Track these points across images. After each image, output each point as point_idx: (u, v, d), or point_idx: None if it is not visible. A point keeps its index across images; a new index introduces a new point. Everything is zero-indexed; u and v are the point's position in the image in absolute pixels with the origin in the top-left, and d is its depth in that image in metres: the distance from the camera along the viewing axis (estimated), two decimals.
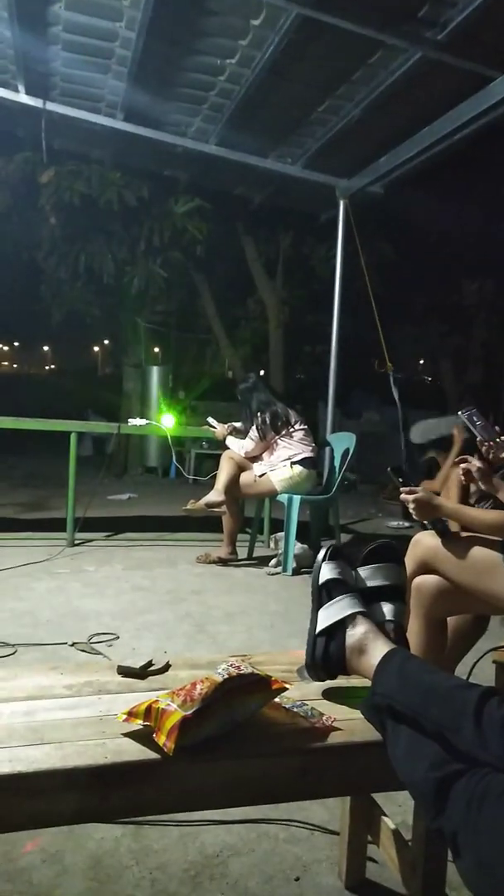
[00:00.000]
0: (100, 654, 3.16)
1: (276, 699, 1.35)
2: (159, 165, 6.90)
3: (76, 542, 5.27)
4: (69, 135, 6.29)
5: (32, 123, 5.86)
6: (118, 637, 3.39)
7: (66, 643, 3.26)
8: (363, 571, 1.59)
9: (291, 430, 4.92)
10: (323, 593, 1.51)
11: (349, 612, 1.45)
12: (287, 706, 1.36)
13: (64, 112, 5.64)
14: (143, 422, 5.71)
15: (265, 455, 4.94)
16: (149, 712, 1.22)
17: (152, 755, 1.19)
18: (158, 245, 8.72)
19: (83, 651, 3.19)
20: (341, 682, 1.51)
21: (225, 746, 1.24)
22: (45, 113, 5.59)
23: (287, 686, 1.34)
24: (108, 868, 1.78)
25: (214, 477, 4.99)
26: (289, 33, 4.28)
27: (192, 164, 6.45)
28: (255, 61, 4.68)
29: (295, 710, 1.35)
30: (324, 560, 1.55)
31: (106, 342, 23.43)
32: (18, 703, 1.36)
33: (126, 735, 1.24)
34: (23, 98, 5.50)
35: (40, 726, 1.27)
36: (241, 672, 1.30)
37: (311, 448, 4.96)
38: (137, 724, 1.23)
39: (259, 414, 4.91)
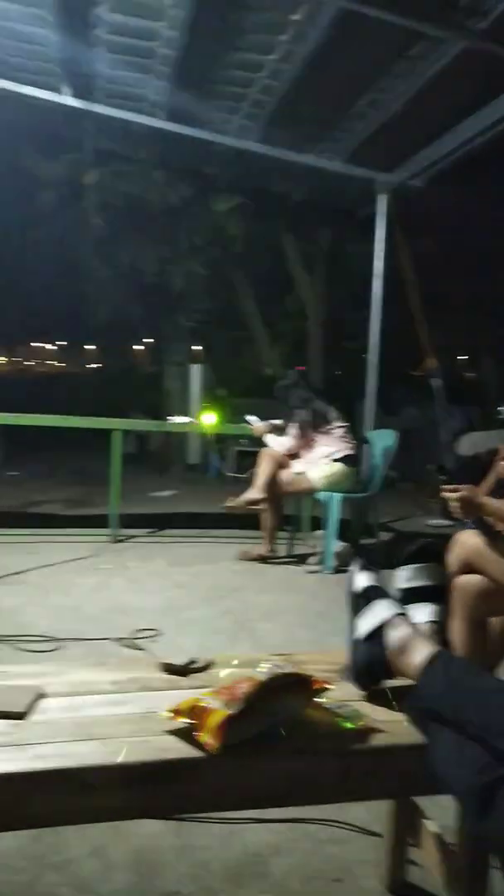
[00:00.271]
0: (143, 649, 3.21)
1: (319, 699, 1.35)
2: (201, 164, 6.94)
3: (119, 538, 5.35)
4: (113, 136, 6.37)
5: (77, 125, 5.95)
6: (161, 633, 3.42)
7: (110, 639, 3.31)
8: (404, 572, 1.58)
9: (331, 427, 4.90)
10: (359, 600, 1.50)
11: (388, 614, 1.44)
12: (329, 706, 1.36)
13: (107, 113, 5.71)
14: (185, 419, 5.76)
15: (305, 452, 4.92)
16: (193, 710, 1.23)
17: (196, 753, 1.20)
18: (199, 244, 8.77)
19: (127, 647, 3.23)
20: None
21: (267, 746, 1.24)
22: (90, 115, 5.66)
23: (329, 686, 1.34)
24: (151, 863, 1.81)
25: (254, 474, 5.00)
26: (329, 27, 4.25)
27: (233, 162, 6.47)
28: (295, 56, 4.66)
29: (337, 710, 1.35)
30: (357, 569, 1.55)
31: (147, 341, 23.64)
32: (65, 699, 1.39)
33: (171, 733, 1.25)
34: (68, 100, 5.58)
35: (87, 722, 1.29)
36: (284, 672, 1.30)
37: (350, 445, 4.93)
38: (182, 721, 1.25)
39: (298, 411, 4.90)
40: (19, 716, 1.29)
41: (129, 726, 1.28)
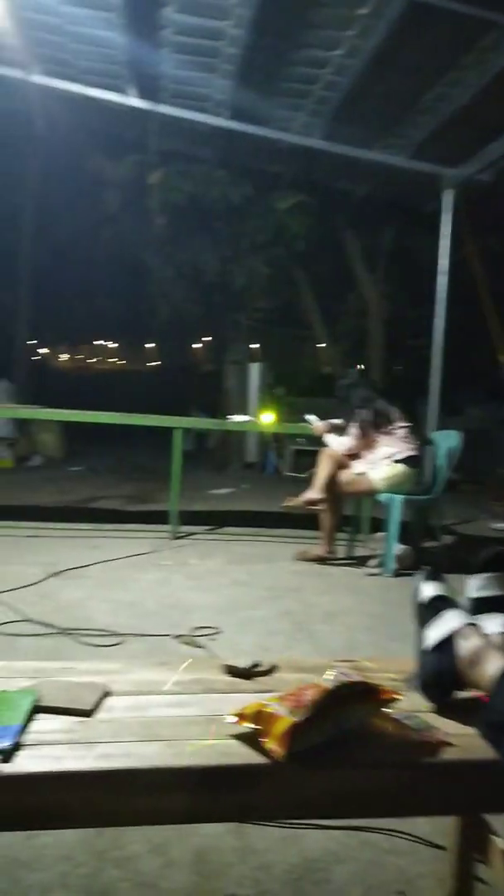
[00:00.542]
0: (202, 647, 3.22)
1: (386, 709, 1.31)
2: (264, 162, 6.93)
3: (179, 534, 5.40)
4: (177, 136, 6.42)
5: (142, 126, 6.03)
6: (220, 631, 3.43)
7: (169, 635, 3.34)
8: (476, 580, 1.52)
9: (393, 427, 4.82)
10: (426, 610, 1.46)
11: (458, 623, 1.39)
12: (397, 717, 1.32)
13: (173, 113, 5.76)
14: (244, 418, 5.77)
15: (366, 453, 4.86)
16: (258, 716, 1.22)
17: (262, 760, 1.18)
18: (261, 242, 8.77)
19: (186, 644, 3.25)
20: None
21: (333, 755, 1.22)
22: (154, 115, 5.73)
23: (398, 696, 1.30)
24: (211, 864, 1.81)
25: (313, 474, 4.97)
26: (397, 20, 4.17)
27: (296, 160, 6.44)
28: (361, 51, 4.60)
29: (405, 721, 1.32)
30: (423, 578, 1.51)
31: (207, 339, 23.83)
32: (130, 698, 1.39)
33: (235, 737, 1.24)
34: (134, 102, 5.66)
35: (152, 722, 1.29)
36: (351, 680, 1.27)
37: (413, 446, 4.84)
38: (246, 726, 1.23)
39: (360, 411, 4.84)
40: (86, 713, 1.30)
41: (194, 729, 1.28)
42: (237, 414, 6.33)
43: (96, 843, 1.85)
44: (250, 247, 8.82)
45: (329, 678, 1.28)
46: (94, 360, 45.31)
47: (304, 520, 5.39)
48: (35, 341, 16.20)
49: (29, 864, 1.76)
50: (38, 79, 5.65)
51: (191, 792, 1.19)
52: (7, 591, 3.86)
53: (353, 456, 4.88)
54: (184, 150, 7.26)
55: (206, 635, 3.38)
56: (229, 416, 5.97)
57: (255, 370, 10.20)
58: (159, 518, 5.69)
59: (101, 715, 1.32)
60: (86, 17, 4.79)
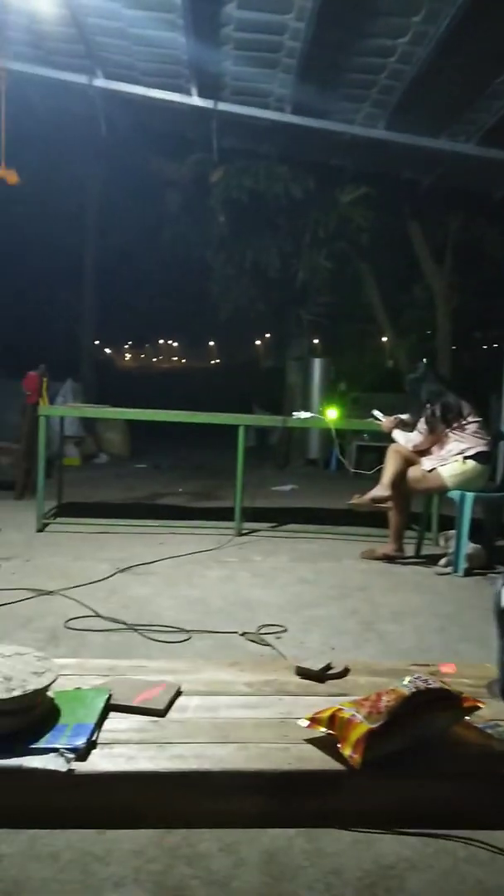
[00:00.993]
0: (269, 645, 3.20)
1: (467, 718, 1.26)
2: (326, 155, 6.85)
3: (243, 531, 5.40)
4: (238, 133, 6.42)
5: (204, 125, 6.05)
6: (286, 630, 3.41)
7: (236, 632, 3.33)
8: None
9: (464, 422, 4.68)
10: None
11: None
12: (479, 726, 1.27)
13: (234, 111, 5.76)
14: (307, 415, 5.71)
15: (435, 449, 4.73)
16: (333, 720, 1.19)
17: (337, 766, 1.15)
18: (323, 236, 8.68)
19: (252, 641, 3.24)
20: None
21: (411, 764, 1.18)
22: (216, 113, 5.74)
23: (480, 705, 1.25)
24: (282, 866, 1.78)
25: (378, 471, 4.87)
26: (464, 4, 4.04)
27: (360, 152, 6.33)
28: (427, 38, 4.47)
29: (488, 731, 1.26)
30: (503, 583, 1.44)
31: (268, 336, 23.83)
32: (201, 698, 1.38)
33: (309, 741, 1.21)
34: (195, 101, 5.68)
35: (223, 724, 1.28)
36: (430, 686, 1.23)
37: (485, 442, 4.68)
38: (320, 731, 1.20)
39: (429, 405, 4.71)
40: (160, 713, 1.30)
41: (267, 732, 1.26)
42: (300, 410, 6.28)
43: (167, 839, 1.85)
44: (312, 241, 8.74)
45: (406, 684, 1.24)
46: (157, 359, 46.03)
47: (370, 518, 5.31)
48: (99, 342, 16.53)
49: (102, 857, 1.78)
50: (101, 83, 5.73)
51: (264, 796, 1.17)
52: (77, 586, 3.93)
53: (422, 452, 4.76)
54: (245, 146, 7.25)
55: (272, 633, 3.36)
56: (293, 413, 5.92)
57: (317, 366, 10.12)
58: (223, 515, 5.71)
59: (172, 715, 1.32)
60: (147, 19, 4.83)
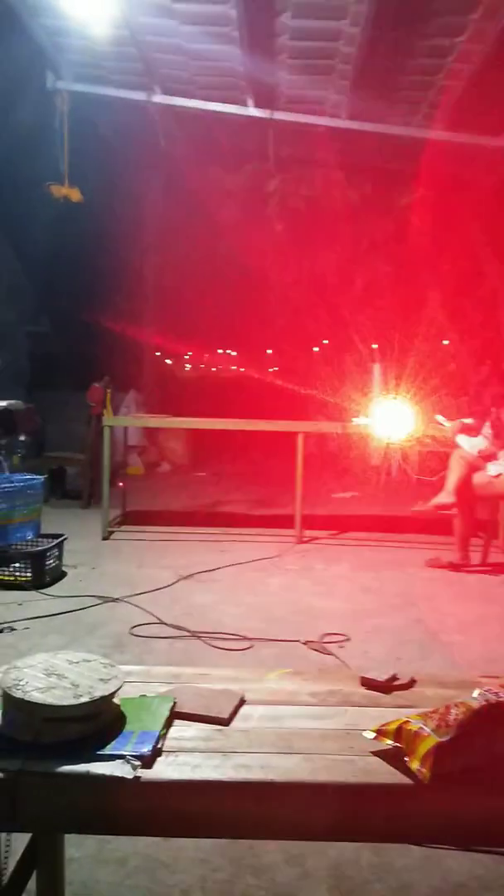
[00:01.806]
0: (332, 654, 3.17)
1: None
2: (384, 159, 6.79)
3: (304, 539, 5.37)
4: (294, 141, 6.44)
5: (260, 135, 6.09)
6: (349, 639, 3.37)
7: (298, 641, 3.31)
8: None
9: None
10: None
11: None
12: None
13: (289, 119, 5.79)
14: (366, 420, 5.65)
15: (501, 454, 4.61)
16: (400, 733, 1.16)
17: (405, 780, 1.13)
18: (381, 240, 8.59)
19: (315, 650, 3.22)
20: None
21: (483, 780, 1.14)
22: (272, 122, 5.77)
23: None
24: (349, 880, 1.76)
25: (442, 477, 4.77)
26: None
27: (417, 153, 6.25)
28: (487, 34, 4.40)
29: None
30: None
31: (325, 342, 23.71)
32: (266, 707, 1.37)
33: (375, 754, 1.19)
34: (251, 111, 5.74)
35: (288, 734, 1.27)
36: (501, 699, 1.18)
37: None
38: (387, 743, 1.18)
39: (494, 409, 4.59)
40: (224, 722, 1.29)
41: (332, 743, 1.24)
42: (359, 416, 6.21)
43: (232, 849, 1.85)
44: (370, 246, 8.68)
45: (476, 697, 1.20)
46: (215, 368, 46.47)
47: (434, 525, 5.21)
48: (160, 353, 16.82)
49: (168, 864, 1.79)
50: (159, 98, 5.85)
51: (330, 809, 1.15)
52: (141, 593, 3.99)
53: (487, 457, 4.64)
54: (301, 154, 7.27)
55: (335, 642, 3.32)
56: (354, 419, 5.87)
57: (377, 370, 10.01)
58: (283, 522, 5.69)
59: (237, 724, 1.31)
60: (203, 34, 4.91)
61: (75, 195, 5.80)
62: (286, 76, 5.36)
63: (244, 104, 5.79)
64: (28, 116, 6.87)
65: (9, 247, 8.28)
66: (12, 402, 4.04)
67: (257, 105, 5.76)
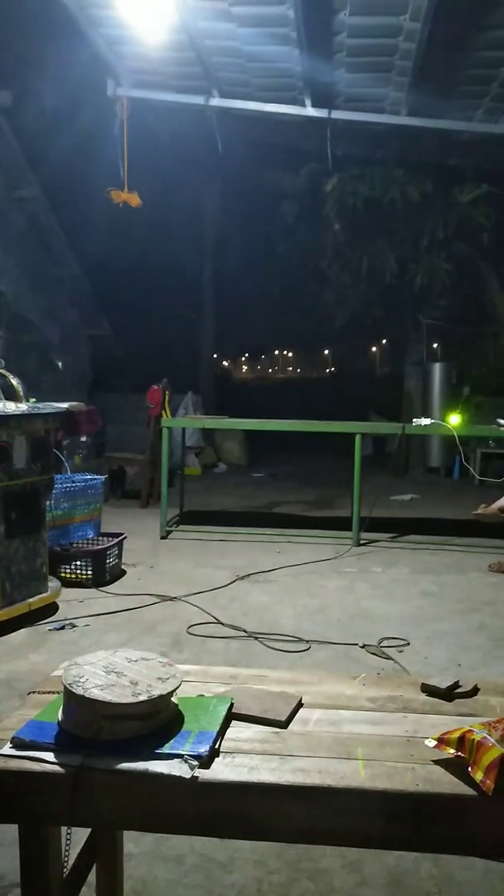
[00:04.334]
0: (391, 659, 3.12)
1: None
2: (444, 155, 6.67)
3: (362, 541, 5.31)
4: (352, 140, 6.39)
5: (317, 134, 6.06)
6: (408, 643, 3.31)
7: (356, 644, 3.28)
8: None
9: None
10: None
11: None
12: None
13: (348, 118, 5.74)
14: (428, 421, 5.55)
15: None
16: (462, 742, 1.13)
17: (468, 791, 1.09)
18: (442, 238, 8.42)
19: (373, 654, 3.17)
20: None
21: None
22: (329, 122, 5.73)
23: None
24: (407, 889, 1.72)
25: None
26: None
27: (480, 149, 6.11)
28: None
29: None
30: None
31: (384, 342, 23.44)
32: (323, 711, 1.36)
33: (437, 763, 1.16)
34: (309, 111, 5.71)
35: (346, 739, 1.25)
36: None
37: None
38: (449, 752, 1.15)
39: None
40: (281, 724, 1.29)
41: (392, 750, 1.21)
42: (419, 416, 6.11)
43: (288, 852, 1.84)
44: (430, 244, 8.50)
45: None
46: (272, 369, 46.48)
47: (497, 529, 5.07)
48: (217, 355, 16.94)
49: (224, 864, 1.79)
50: (217, 102, 5.88)
51: (389, 817, 1.13)
52: (199, 593, 4.02)
53: None
54: (359, 153, 7.20)
55: (393, 646, 3.27)
56: (413, 420, 5.77)
57: (438, 370, 9.82)
58: (340, 524, 5.65)
59: (294, 727, 1.30)
60: (261, 35, 4.91)
61: (134, 200, 5.89)
62: (344, 74, 5.31)
63: (302, 104, 5.76)
64: (89, 124, 7.03)
65: (71, 252, 8.47)
66: (74, 403, 4.13)
67: (315, 105, 5.72)
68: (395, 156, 7.30)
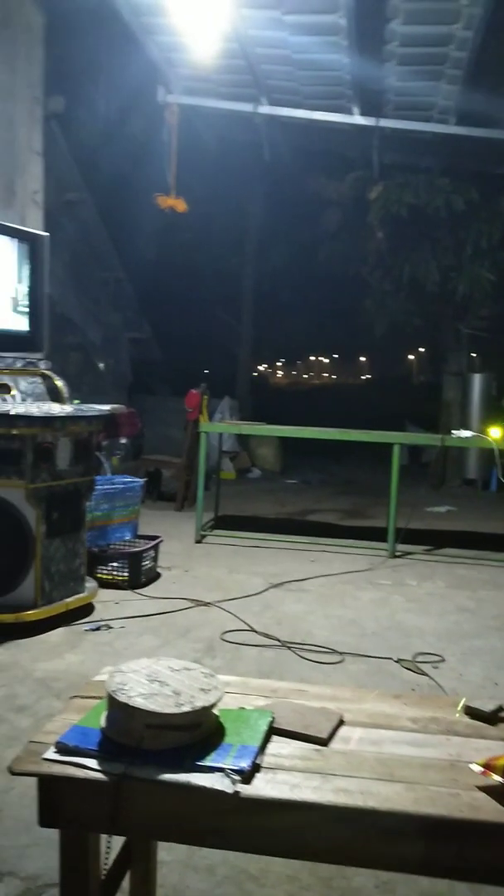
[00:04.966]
0: (425, 675, 3.08)
1: None
2: (492, 164, 6.59)
3: (397, 553, 5.26)
4: (399, 148, 6.36)
5: (364, 142, 6.04)
6: (443, 659, 3.26)
7: (391, 658, 3.24)
8: None
9: None
10: None
11: None
12: None
13: (396, 126, 5.72)
14: (468, 434, 5.48)
15: None
16: None
17: None
18: (486, 247, 8.32)
19: (408, 669, 3.14)
20: None
21: None
22: (377, 130, 5.72)
23: None
24: None
25: None
26: None
27: None
28: None
29: None
30: None
31: (421, 350, 23.23)
32: (365, 730, 1.35)
33: (482, 789, 1.14)
34: (357, 119, 5.70)
35: (389, 760, 1.24)
36: None
37: None
38: (495, 779, 1.13)
39: None
40: (322, 742, 1.28)
41: (436, 774, 1.20)
42: (457, 427, 6.03)
43: (321, 868, 1.82)
44: (474, 253, 8.41)
45: None
46: (307, 375, 46.39)
47: None
48: (253, 359, 16.98)
49: (257, 877, 1.79)
50: (266, 109, 5.91)
51: (430, 842, 1.11)
52: (232, 599, 4.02)
53: None
54: (406, 161, 7.16)
55: (428, 662, 3.23)
56: (451, 431, 5.70)
57: (477, 381, 9.68)
58: (375, 535, 5.60)
59: (335, 745, 1.29)
60: (312, 44, 4.92)
61: (181, 206, 5.94)
62: (394, 83, 5.29)
63: (349, 112, 5.75)
64: (138, 130, 7.12)
65: (115, 255, 8.59)
66: (116, 406, 4.18)
67: (363, 113, 5.71)
68: (443, 164, 7.23)
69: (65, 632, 3.38)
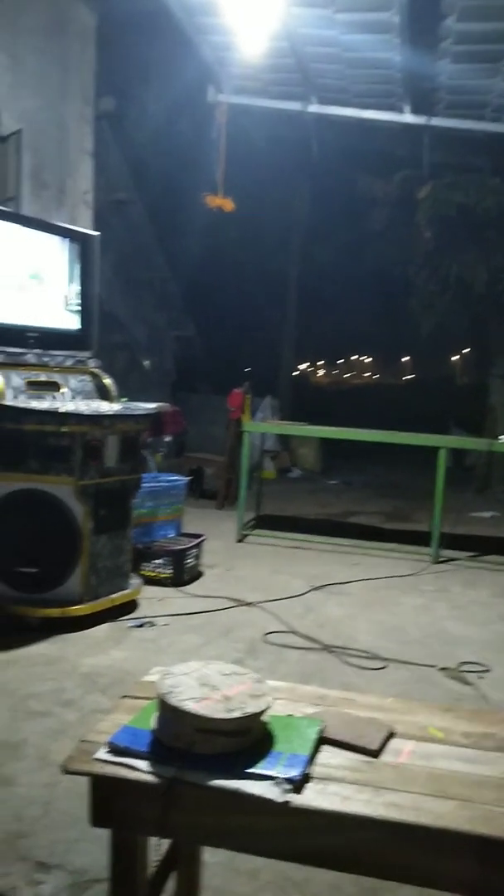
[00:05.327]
0: (470, 684, 3.03)
1: None
2: None
3: (440, 559, 5.18)
4: (450, 147, 6.27)
5: (414, 141, 5.96)
6: (489, 670, 3.20)
7: (434, 666, 3.20)
8: None
9: None
10: None
11: None
12: None
13: (447, 125, 5.62)
14: None
15: None
16: None
17: None
18: None
19: (453, 678, 3.09)
20: None
21: None
22: (428, 129, 5.63)
23: None
24: None
25: None
26: None
27: None
28: None
29: None
30: None
31: (465, 352, 22.82)
32: (416, 743, 1.33)
33: None
34: (407, 118, 5.63)
35: (441, 776, 1.22)
36: None
37: None
38: None
39: None
40: (373, 753, 1.26)
41: (490, 792, 1.17)
42: (503, 431, 5.91)
43: (364, 879, 1.80)
44: None
45: None
46: (349, 374, 46.03)
47: None
48: (296, 358, 16.94)
49: (300, 884, 1.78)
50: (315, 108, 5.87)
51: (484, 863, 1.09)
52: (274, 600, 4.02)
53: None
54: (456, 161, 7.05)
55: (474, 672, 3.17)
56: (499, 436, 5.59)
57: None
58: (418, 539, 5.53)
59: (386, 757, 1.27)
60: (364, 42, 4.86)
61: (228, 205, 5.95)
62: (447, 81, 5.20)
63: (400, 111, 5.67)
64: (188, 129, 7.16)
65: (162, 254, 8.65)
66: (162, 404, 4.22)
67: (414, 111, 5.63)
68: (494, 164, 7.10)
69: (109, 627, 3.42)
